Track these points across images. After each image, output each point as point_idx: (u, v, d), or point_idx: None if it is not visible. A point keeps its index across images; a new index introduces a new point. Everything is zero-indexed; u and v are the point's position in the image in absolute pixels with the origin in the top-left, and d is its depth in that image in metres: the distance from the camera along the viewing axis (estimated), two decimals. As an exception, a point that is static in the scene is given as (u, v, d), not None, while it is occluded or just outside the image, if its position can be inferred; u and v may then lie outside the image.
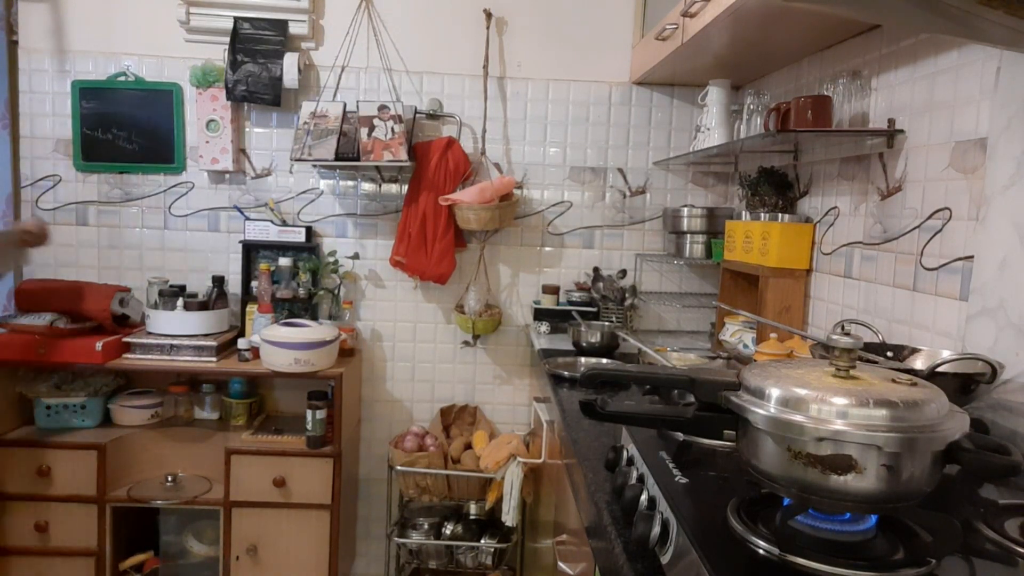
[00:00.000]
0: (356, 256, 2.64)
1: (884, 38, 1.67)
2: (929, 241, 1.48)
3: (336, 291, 2.61)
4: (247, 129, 2.60)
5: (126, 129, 2.56)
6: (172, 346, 2.30)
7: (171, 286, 2.42)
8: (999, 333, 1.26)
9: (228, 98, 2.46)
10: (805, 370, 0.84)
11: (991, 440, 0.86)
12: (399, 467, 2.43)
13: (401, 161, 2.39)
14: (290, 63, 2.43)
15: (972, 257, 1.35)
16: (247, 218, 2.59)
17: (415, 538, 2.52)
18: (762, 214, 2.08)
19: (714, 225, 2.42)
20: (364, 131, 2.39)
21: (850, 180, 1.81)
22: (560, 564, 1.48)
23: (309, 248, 2.59)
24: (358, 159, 2.41)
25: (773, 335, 1.84)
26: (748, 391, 0.83)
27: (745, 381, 0.84)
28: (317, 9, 2.55)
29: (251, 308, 2.47)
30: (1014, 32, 0.90)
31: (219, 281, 2.46)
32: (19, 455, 2.24)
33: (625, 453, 1.15)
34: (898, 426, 0.73)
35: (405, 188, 2.53)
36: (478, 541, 2.48)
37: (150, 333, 2.33)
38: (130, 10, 2.52)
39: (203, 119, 2.50)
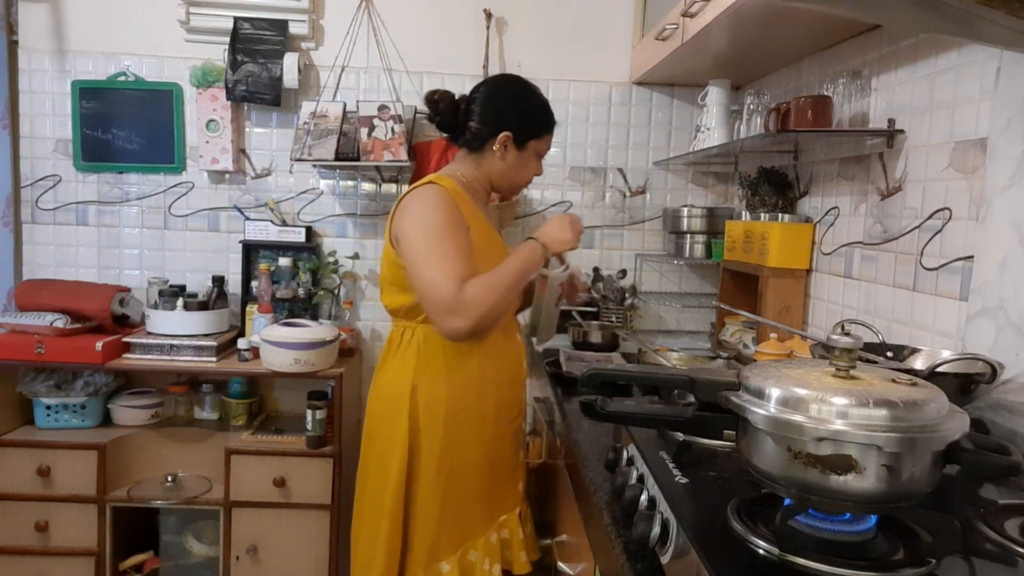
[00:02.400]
0: (356, 256, 2.63)
1: (884, 38, 1.67)
2: (929, 241, 1.48)
3: (336, 291, 2.60)
4: (247, 129, 2.60)
5: (126, 129, 2.56)
6: (172, 346, 2.30)
7: (171, 286, 2.42)
8: (999, 333, 1.26)
9: (228, 98, 2.46)
10: (805, 370, 0.84)
11: (991, 440, 0.86)
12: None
13: (401, 161, 2.39)
14: (290, 63, 2.43)
15: (972, 257, 1.35)
16: (247, 218, 2.59)
17: (415, 538, 2.51)
18: (762, 214, 2.08)
19: (714, 225, 2.42)
20: (364, 131, 2.39)
21: (850, 180, 1.81)
22: (560, 564, 1.48)
23: (309, 248, 2.59)
24: (358, 159, 2.41)
25: (773, 335, 1.84)
26: (748, 391, 0.83)
27: (745, 381, 0.84)
28: (317, 9, 2.55)
29: (251, 308, 2.46)
30: (1014, 32, 0.90)
31: (219, 281, 2.45)
32: (19, 455, 2.24)
33: (625, 453, 1.15)
34: (898, 426, 0.73)
35: (405, 188, 2.53)
36: (478, 541, 2.47)
37: (150, 333, 2.33)
38: (130, 10, 2.52)
39: (203, 119, 2.50)
